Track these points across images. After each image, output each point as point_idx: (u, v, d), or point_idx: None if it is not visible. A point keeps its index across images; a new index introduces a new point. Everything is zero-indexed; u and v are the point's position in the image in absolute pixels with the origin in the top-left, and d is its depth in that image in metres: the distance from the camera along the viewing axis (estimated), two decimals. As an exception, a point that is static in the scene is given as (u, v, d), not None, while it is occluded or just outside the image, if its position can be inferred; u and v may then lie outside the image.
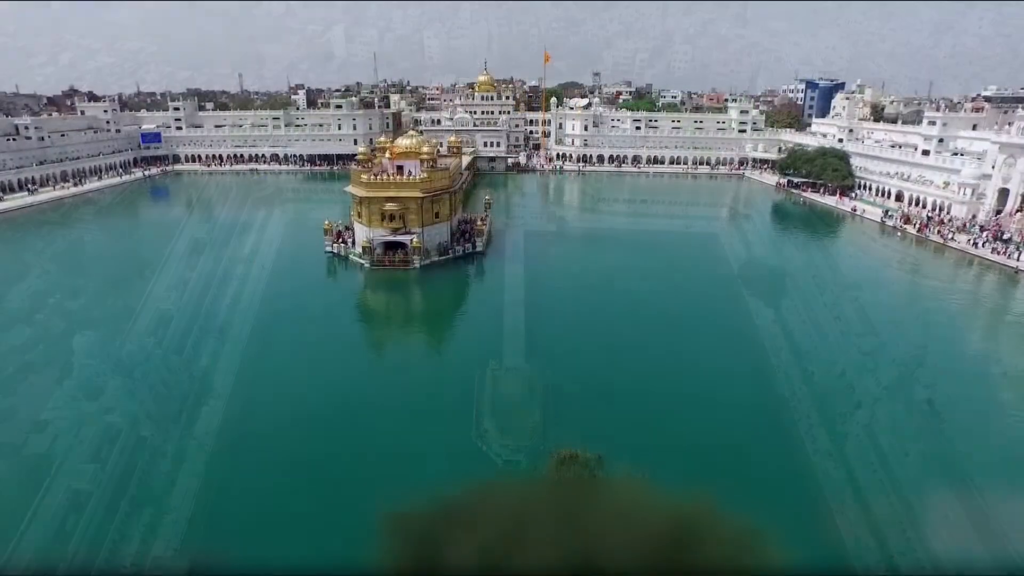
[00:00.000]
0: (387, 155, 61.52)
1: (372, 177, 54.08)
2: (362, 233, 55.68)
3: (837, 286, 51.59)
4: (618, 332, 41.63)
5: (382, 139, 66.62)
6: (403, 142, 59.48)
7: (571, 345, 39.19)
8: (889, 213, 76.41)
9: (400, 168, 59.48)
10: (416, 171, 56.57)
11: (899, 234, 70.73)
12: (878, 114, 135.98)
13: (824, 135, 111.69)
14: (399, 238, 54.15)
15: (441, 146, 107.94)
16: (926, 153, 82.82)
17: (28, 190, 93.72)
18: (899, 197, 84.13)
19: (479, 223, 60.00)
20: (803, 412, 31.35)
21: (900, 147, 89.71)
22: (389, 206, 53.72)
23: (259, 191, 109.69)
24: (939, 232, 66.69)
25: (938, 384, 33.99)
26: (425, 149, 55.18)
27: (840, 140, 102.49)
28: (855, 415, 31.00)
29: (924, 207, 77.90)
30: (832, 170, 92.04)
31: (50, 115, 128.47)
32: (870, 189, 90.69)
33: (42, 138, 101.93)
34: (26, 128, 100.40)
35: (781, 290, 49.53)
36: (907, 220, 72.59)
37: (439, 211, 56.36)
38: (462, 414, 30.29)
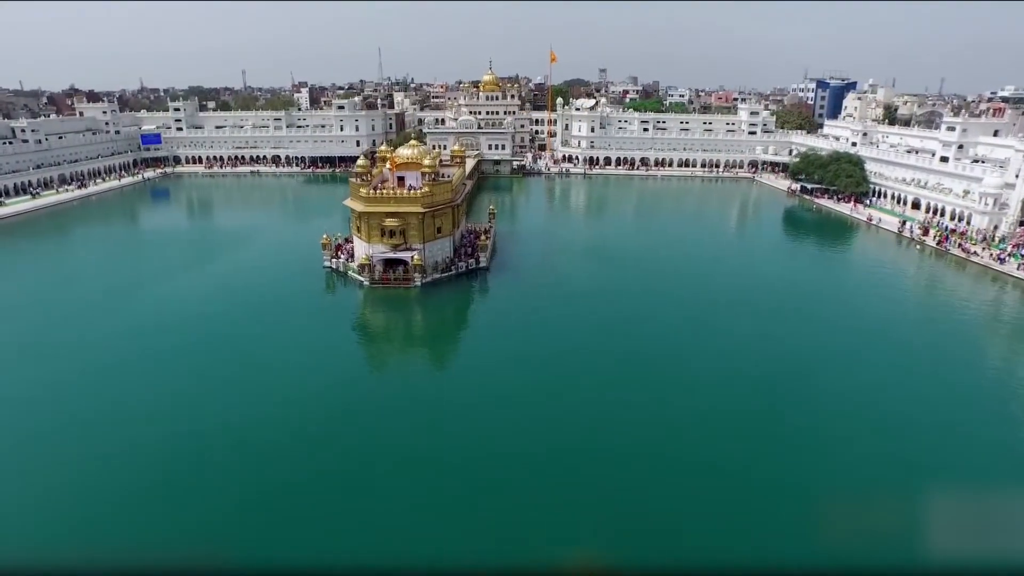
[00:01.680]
0: (387, 165, 59.49)
1: (371, 191, 51.98)
2: (361, 249, 53.66)
3: (857, 312, 49.33)
4: (627, 357, 39.56)
5: (383, 148, 64.37)
6: (404, 152, 57.31)
7: (581, 378, 37.11)
8: (907, 224, 73.85)
9: (401, 179, 57.47)
10: (418, 183, 54.49)
11: (917, 247, 68.23)
12: (891, 115, 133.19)
13: (837, 138, 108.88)
14: (399, 255, 52.11)
15: (444, 149, 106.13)
16: (944, 160, 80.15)
17: (31, 194, 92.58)
18: (916, 205, 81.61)
19: (483, 238, 57.84)
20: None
21: (917, 152, 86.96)
22: (389, 222, 51.66)
23: (259, 196, 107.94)
24: (960, 245, 64.25)
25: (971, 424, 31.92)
26: (427, 162, 52.99)
27: (854, 144, 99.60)
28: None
29: (942, 216, 75.44)
30: (846, 176, 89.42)
31: (49, 116, 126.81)
32: (885, 196, 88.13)
33: (39, 141, 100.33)
34: (23, 131, 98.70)
35: (799, 318, 47.45)
36: (925, 231, 70.06)
37: (441, 226, 54.29)
38: (460, 470, 28.39)
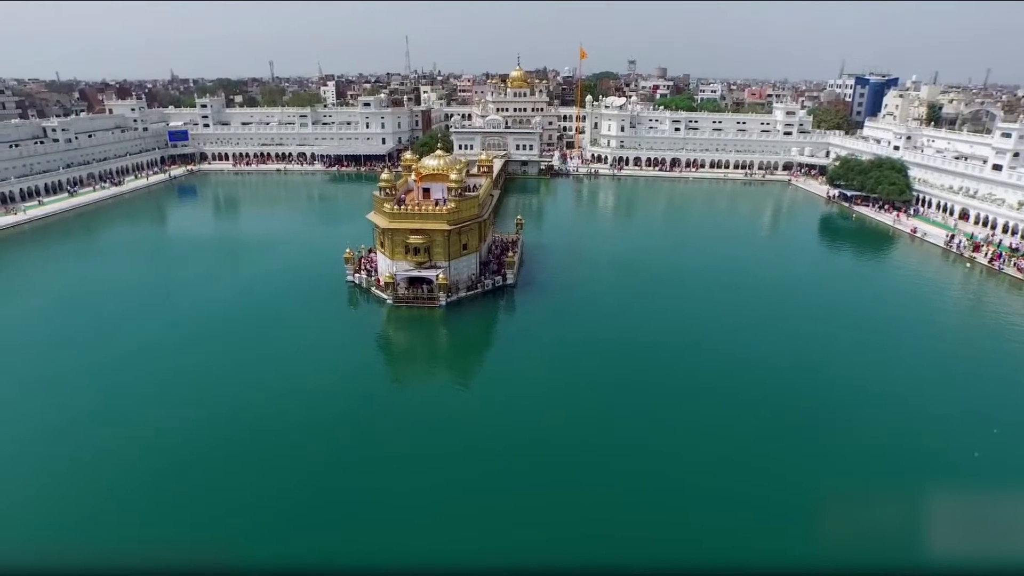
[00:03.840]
0: (413, 176, 57.91)
1: (396, 206, 50.43)
2: (385, 266, 52.24)
3: (903, 344, 46.49)
4: (659, 387, 37.67)
5: (407, 156, 62.68)
6: (430, 163, 55.63)
7: (613, 410, 35.31)
8: (955, 238, 70.05)
9: (427, 191, 55.92)
10: (443, 195, 52.84)
11: (967, 264, 64.54)
12: (935, 114, 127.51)
13: (877, 140, 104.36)
14: (424, 273, 50.53)
15: (470, 148, 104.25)
16: (997, 168, 75.87)
17: (69, 192, 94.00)
18: (964, 216, 77.66)
19: (509, 254, 55.97)
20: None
21: (966, 159, 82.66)
22: (414, 239, 50.10)
23: (285, 196, 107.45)
24: (1016, 265, 60.57)
25: None
26: (453, 176, 51.13)
27: (896, 148, 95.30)
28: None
29: (993, 229, 71.50)
30: (888, 183, 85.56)
31: (79, 113, 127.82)
32: (929, 204, 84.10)
33: (70, 140, 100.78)
34: (54, 130, 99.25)
35: (840, 347, 44.85)
36: (976, 248, 66.27)
37: (467, 242, 52.57)
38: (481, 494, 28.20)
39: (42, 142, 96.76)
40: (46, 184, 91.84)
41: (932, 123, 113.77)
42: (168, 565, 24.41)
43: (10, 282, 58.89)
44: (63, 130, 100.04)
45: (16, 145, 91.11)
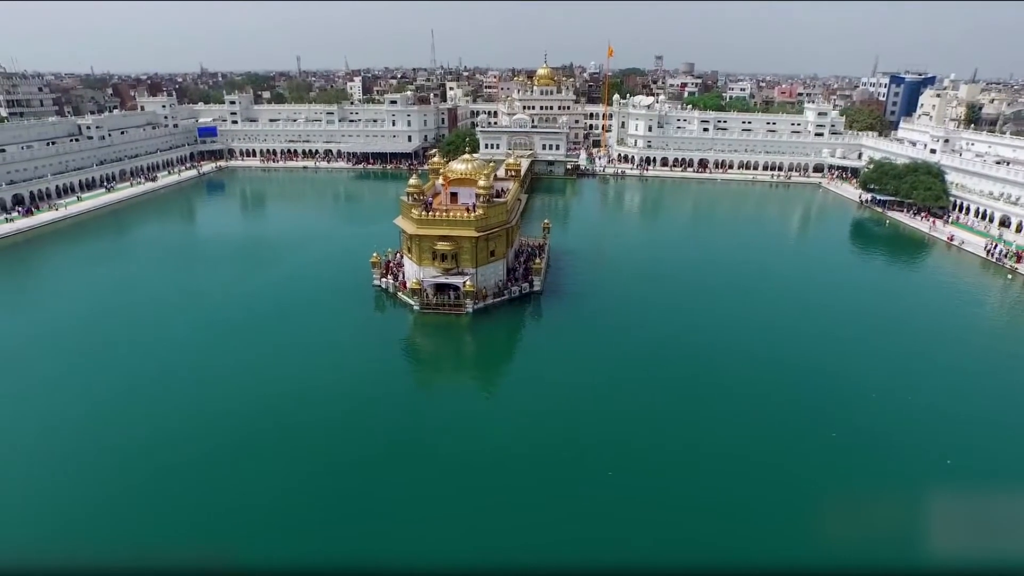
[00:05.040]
0: (440, 179, 57.79)
1: (423, 212, 50.37)
2: (412, 272, 52.26)
3: (941, 360, 45.25)
4: (690, 401, 37.15)
5: (435, 159, 62.58)
6: (458, 167, 55.47)
7: (641, 431, 34.90)
8: (998, 247, 67.91)
9: (454, 195, 55.83)
10: (471, 199, 52.67)
11: (1008, 275, 62.56)
12: (974, 115, 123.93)
13: (913, 143, 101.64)
14: (451, 280, 50.43)
15: (496, 148, 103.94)
16: (1041, 174, 73.44)
17: (107, 188, 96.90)
18: (1004, 223, 75.33)
19: (537, 261, 55.62)
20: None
21: (1008, 163, 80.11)
22: (441, 245, 50.01)
23: (312, 194, 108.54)
24: (1060, 278, 58.66)
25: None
26: (482, 182, 50.85)
27: (933, 151, 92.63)
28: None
29: (1035, 237, 69.30)
30: (924, 189, 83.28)
31: (113, 109, 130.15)
32: (967, 210, 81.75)
33: (103, 137, 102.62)
34: (88, 128, 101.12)
35: (878, 360, 43.76)
36: (1019, 258, 64.22)
37: (495, 249, 52.34)
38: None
39: (77, 139, 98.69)
40: (80, 181, 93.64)
41: (971, 124, 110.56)
42: (181, 563, 25.14)
43: (49, 279, 60.45)
44: (97, 127, 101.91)
45: (53, 143, 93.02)
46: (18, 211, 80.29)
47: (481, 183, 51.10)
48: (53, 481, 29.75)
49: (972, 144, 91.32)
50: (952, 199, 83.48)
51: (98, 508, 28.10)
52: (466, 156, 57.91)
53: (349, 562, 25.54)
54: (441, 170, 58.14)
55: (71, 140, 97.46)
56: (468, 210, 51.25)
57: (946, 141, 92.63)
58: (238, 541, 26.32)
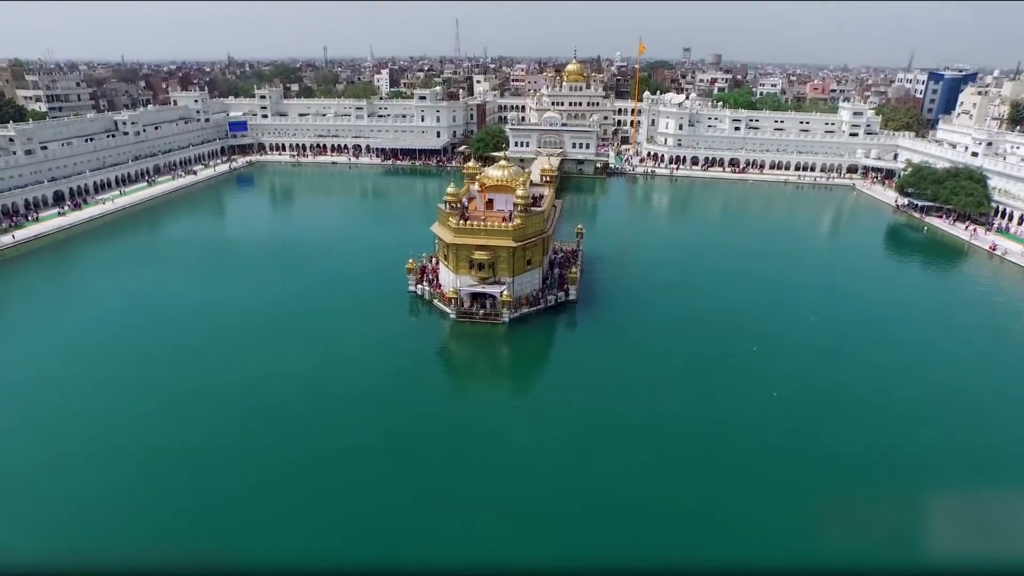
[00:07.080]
0: (476, 184, 57.78)
1: (461, 221, 50.50)
2: (448, 280, 52.55)
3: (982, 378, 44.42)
4: (725, 414, 36.96)
5: (470, 165, 62.58)
6: (494, 173, 55.51)
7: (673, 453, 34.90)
8: (1040, 259, 66.37)
9: (490, 202, 55.90)
10: (507, 206, 52.76)
11: (1054, 288, 61.19)
12: (1018, 114, 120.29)
13: (953, 145, 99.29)
14: (487, 289, 50.63)
15: (526, 145, 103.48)
16: (1088, 183, 71.39)
17: (148, 182, 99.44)
18: (1048, 232, 73.50)
19: (572, 270, 55.47)
20: None
21: (1053, 171, 77.99)
22: (479, 255, 50.14)
23: (343, 191, 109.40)
24: (1108, 294, 57.14)
25: None
26: (520, 192, 50.75)
27: (974, 154, 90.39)
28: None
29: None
30: (965, 195, 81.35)
31: (146, 103, 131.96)
32: (1011, 217, 79.81)
33: (138, 132, 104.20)
34: (124, 123, 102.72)
35: (914, 381, 43.11)
36: (1064, 271, 62.76)
37: (531, 258, 52.37)
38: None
39: (113, 135, 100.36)
40: (116, 177, 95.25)
41: (1016, 125, 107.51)
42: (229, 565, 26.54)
43: (99, 278, 62.20)
44: (132, 123, 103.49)
45: (91, 139, 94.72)
46: (69, 205, 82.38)
47: (520, 192, 51.01)
48: (121, 481, 31.06)
49: (1017, 147, 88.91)
50: (995, 205, 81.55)
51: (180, 509, 29.77)
52: (502, 163, 57.86)
53: (381, 564, 26.73)
54: (477, 176, 58.16)
55: (108, 136, 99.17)
56: (505, 219, 51.34)
57: (989, 144, 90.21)
58: (288, 541, 27.70)
